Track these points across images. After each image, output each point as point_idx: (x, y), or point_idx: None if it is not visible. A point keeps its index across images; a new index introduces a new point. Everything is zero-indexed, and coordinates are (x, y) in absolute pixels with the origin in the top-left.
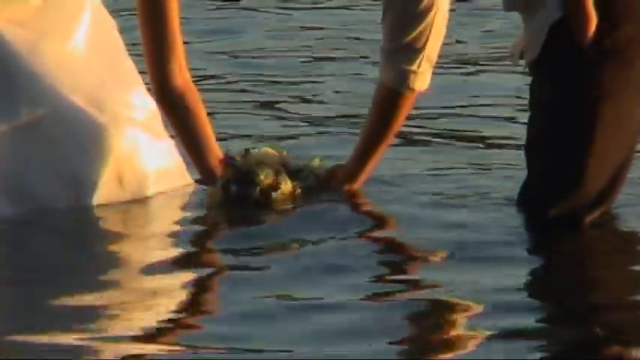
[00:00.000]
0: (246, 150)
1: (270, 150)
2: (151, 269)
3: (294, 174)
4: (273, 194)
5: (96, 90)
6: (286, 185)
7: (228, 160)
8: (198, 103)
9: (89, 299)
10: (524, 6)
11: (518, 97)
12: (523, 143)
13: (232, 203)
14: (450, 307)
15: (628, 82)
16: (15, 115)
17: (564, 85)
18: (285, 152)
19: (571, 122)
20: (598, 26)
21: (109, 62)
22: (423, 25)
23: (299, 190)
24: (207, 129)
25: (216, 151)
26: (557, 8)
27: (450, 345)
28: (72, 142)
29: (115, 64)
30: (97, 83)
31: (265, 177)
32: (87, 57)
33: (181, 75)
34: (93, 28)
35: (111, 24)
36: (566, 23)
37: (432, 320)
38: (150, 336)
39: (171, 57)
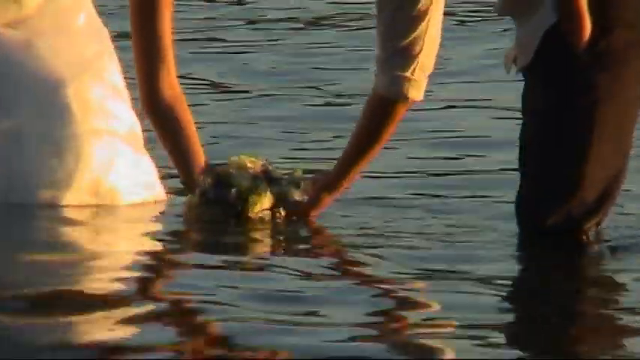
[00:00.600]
0: (228, 158)
1: (250, 158)
2: (115, 277)
3: (273, 182)
4: (250, 199)
5: (80, 97)
6: (263, 191)
7: (207, 168)
8: (186, 114)
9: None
10: (518, 11)
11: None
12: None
13: (208, 208)
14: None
15: (624, 84)
16: (4, 114)
17: (559, 89)
18: (265, 161)
19: (566, 127)
20: (592, 30)
21: (97, 73)
22: (417, 31)
23: (274, 197)
24: (195, 140)
25: (202, 162)
26: (551, 13)
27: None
28: (51, 145)
29: (103, 75)
30: (82, 89)
31: (243, 181)
32: (78, 60)
33: (171, 86)
34: (86, 30)
35: (101, 28)
36: (560, 28)
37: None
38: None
39: (162, 68)
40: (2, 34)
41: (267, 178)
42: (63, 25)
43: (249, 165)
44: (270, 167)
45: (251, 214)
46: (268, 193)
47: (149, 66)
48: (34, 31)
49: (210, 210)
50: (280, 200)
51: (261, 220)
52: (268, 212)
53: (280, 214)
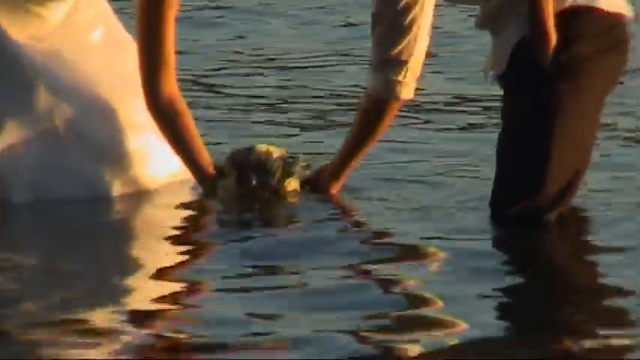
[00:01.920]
0: (253, 146)
1: (272, 146)
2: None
3: (292, 166)
4: (286, 181)
5: (110, 97)
6: (294, 174)
7: (236, 155)
8: (185, 112)
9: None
10: (493, 26)
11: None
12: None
13: (250, 193)
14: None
15: (585, 93)
16: (37, 118)
17: (527, 97)
18: (284, 151)
19: (534, 131)
20: (557, 42)
21: (121, 72)
22: (407, 39)
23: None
24: (195, 135)
25: (204, 155)
26: (521, 28)
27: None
28: (88, 141)
29: (126, 74)
30: (110, 91)
31: (280, 166)
32: (101, 67)
33: (170, 86)
34: (107, 39)
35: (125, 36)
36: (529, 41)
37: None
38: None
39: (163, 73)
40: (28, 45)
41: (288, 164)
42: (86, 38)
43: (276, 154)
44: (288, 156)
45: (283, 193)
46: (296, 179)
47: (151, 70)
48: (59, 43)
49: (247, 191)
50: (300, 182)
51: (292, 196)
52: (294, 191)
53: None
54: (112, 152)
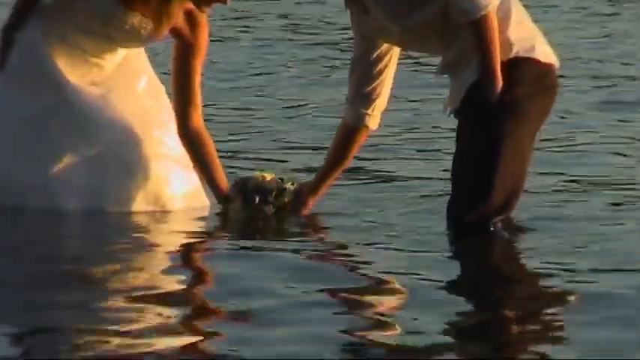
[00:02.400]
0: (250, 175)
1: (267, 172)
2: (172, 269)
3: (280, 192)
4: (281, 199)
5: (145, 132)
6: (286, 194)
7: (239, 181)
8: (209, 142)
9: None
10: (451, 71)
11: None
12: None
13: (250, 207)
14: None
15: (523, 125)
16: (89, 145)
17: (478, 128)
18: (274, 175)
19: (482, 154)
20: (502, 86)
21: (157, 114)
22: (377, 82)
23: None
24: (215, 159)
25: (221, 175)
26: (473, 72)
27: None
28: (126, 169)
29: (161, 116)
30: (148, 129)
31: (275, 188)
32: (142, 109)
33: (197, 121)
34: (148, 88)
35: (159, 85)
36: (479, 84)
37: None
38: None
39: (192, 107)
40: (86, 88)
41: (279, 183)
42: (131, 84)
43: (268, 177)
44: (277, 177)
45: (275, 209)
46: (285, 201)
47: (183, 108)
48: (110, 87)
49: (251, 208)
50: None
51: (281, 212)
52: (284, 207)
53: (288, 208)
54: (142, 175)
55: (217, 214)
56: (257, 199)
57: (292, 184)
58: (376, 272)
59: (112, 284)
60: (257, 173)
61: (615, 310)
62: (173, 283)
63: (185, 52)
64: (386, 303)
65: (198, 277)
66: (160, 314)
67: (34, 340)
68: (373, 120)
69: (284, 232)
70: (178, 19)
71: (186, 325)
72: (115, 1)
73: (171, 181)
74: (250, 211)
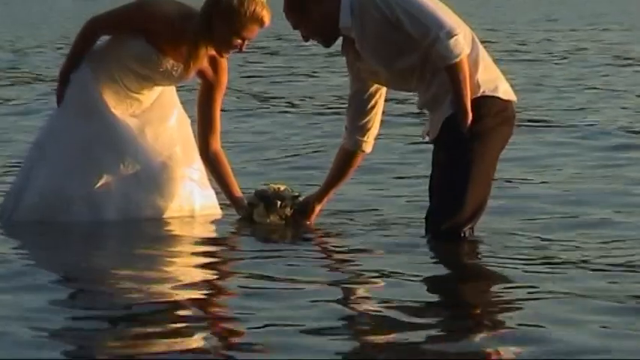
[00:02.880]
0: (268, 184)
1: (280, 184)
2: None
3: (291, 199)
4: (293, 207)
5: (174, 158)
6: (298, 199)
7: (259, 191)
8: (225, 160)
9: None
10: (430, 106)
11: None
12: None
13: (270, 213)
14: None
15: (488, 151)
16: (127, 165)
17: (452, 152)
18: (286, 186)
19: (456, 175)
20: (471, 119)
21: (183, 143)
22: (370, 115)
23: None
24: (231, 175)
25: (236, 188)
26: (449, 107)
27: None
28: (157, 186)
29: (186, 144)
30: (176, 154)
31: (289, 198)
32: (171, 138)
33: (216, 144)
34: (177, 120)
35: (186, 118)
36: (453, 117)
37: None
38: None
39: (213, 134)
40: (128, 120)
41: (292, 191)
42: (164, 117)
43: (282, 187)
44: (289, 188)
45: (288, 215)
46: (299, 199)
47: (205, 134)
48: (146, 120)
49: (271, 214)
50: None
51: (291, 217)
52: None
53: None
54: (169, 191)
55: (238, 219)
56: (279, 204)
57: (299, 194)
58: (362, 271)
59: (141, 283)
60: (271, 184)
61: (574, 311)
62: (193, 287)
63: (209, 89)
64: (372, 299)
65: (219, 276)
66: (182, 316)
67: (70, 340)
68: (368, 145)
69: (298, 236)
70: (203, 62)
71: (207, 325)
72: (151, 48)
73: (192, 197)
74: (273, 214)
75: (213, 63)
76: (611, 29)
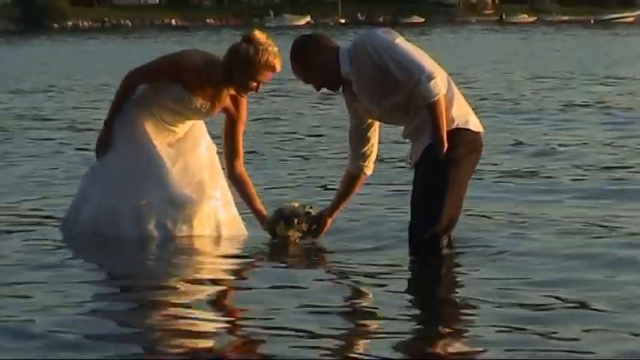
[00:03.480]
0: (289, 202)
1: (297, 202)
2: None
3: (305, 215)
4: (308, 223)
5: (203, 182)
6: (312, 214)
7: (280, 209)
8: (248, 180)
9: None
10: (412, 136)
11: None
12: None
13: (289, 228)
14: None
15: (460, 174)
16: (162, 187)
17: (430, 175)
18: (299, 204)
19: (434, 195)
20: (447, 148)
21: (210, 168)
22: (368, 145)
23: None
24: (254, 194)
25: (259, 206)
26: (428, 138)
27: None
28: (189, 206)
29: (212, 170)
30: (204, 178)
31: (304, 211)
32: (201, 165)
33: (240, 167)
34: (205, 148)
35: (212, 146)
36: (432, 146)
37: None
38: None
39: (237, 159)
40: (166, 149)
41: (305, 207)
42: (194, 146)
43: (297, 205)
44: (302, 205)
45: (304, 229)
46: (313, 214)
47: (231, 160)
48: (180, 149)
49: (290, 230)
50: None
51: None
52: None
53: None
54: (199, 209)
55: (262, 235)
56: (296, 221)
57: (311, 208)
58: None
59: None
60: (288, 204)
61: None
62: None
63: (231, 122)
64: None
65: (239, 285)
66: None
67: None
68: (369, 169)
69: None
70: (226, 101)
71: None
72: (184, 90)
73: (217, 213)
74: (292, 229)
75: (235, 101)
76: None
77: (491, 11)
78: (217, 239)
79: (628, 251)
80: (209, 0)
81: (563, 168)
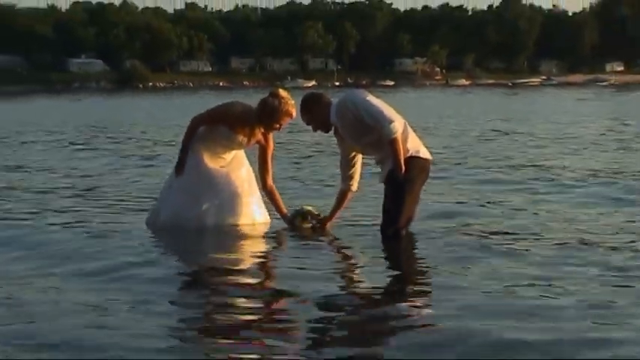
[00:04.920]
0: (300, 207)
1: (309, 207)
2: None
3: (314, 216)
4: (313, 222)
5: (244, 191)
6: (314, 221)
7: (298, 210)
8: (276, 191)
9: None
10: (382, 162)
11: None
12: None
13: (304, 224)
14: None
15: (413, 189)
16: (212, 196)
17: (393, 189)
18: (312, 207)
19: (396, 202)
20: (405, 170)
21: (249, 182)
22: (354, 169)
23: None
24: (280, 201)
25: (284, 210)
26: (390, 164)
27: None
28: (235, 208)
29: (250, 183)
30: (245, 189)
31: (316, 211)
32: (242, 179)
33: (269, 182)
34: (245, 168)
35: (249, 167)
36: (393, 170)
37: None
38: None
39: (267, 175)
40: (219, 170)
41: (316, 215)
42: (238, 166)
43: (310, 208)
44: (314, 209)
45: (311, 224)
46: (321, 215)
47: (262, 175)
48: (229, 169)
49: (304, 224)
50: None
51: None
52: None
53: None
54: (242, 210)
55: (284, 229)
56: (309, 218)
57: (318, 212)
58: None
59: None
60: (303, 207)
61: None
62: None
63: (263, 151)
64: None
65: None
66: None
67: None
68: (354, 186)
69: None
70: (259, 136)
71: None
72: (230, 131)
73: (254, 213)
74: (305, 224)
75: (265, 136)
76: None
77: (440, 77)
78: (252, 228)
79: None
80: (245, 68)
81: None
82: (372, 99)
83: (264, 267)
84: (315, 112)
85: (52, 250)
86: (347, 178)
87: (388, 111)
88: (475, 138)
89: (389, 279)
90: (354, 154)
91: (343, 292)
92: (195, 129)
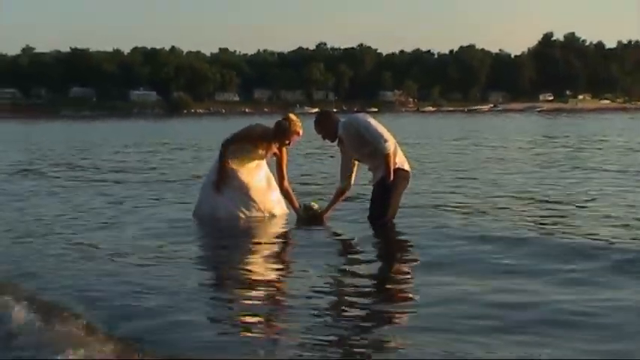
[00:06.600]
0: (307, 203)
1: (314, 203)
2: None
3: (318, 210)
4: (316, 214)
5: (264, 189)
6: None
7: (305, 205)
8: (291, 192)
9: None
10: (375, 170)
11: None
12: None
13: (309, 216)
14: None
15: (398, 191)
16: (240, 194)
17: (381, 191)
18: (316, 203)
19: (383, 200)
20: (392, 178)
21: (268, 183)
22: (351, 172)
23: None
24: (294, 200)
25: (296, 204)
26: (382, 172)
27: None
28: (258, 202)
29: (270, 183)
30: (264, 187)
31: (320, 207)
32: (262, 180)
33: (286, 185)
34: (264, 172)
35: (269, 171)
36: (384, 176)
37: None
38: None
39: (283, 179)
40: (246, 176)
41: (319, 209)
42: (260, 172)
43: (314, 203)
44: (317, 205)
45: (317, 216)
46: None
47: (279, 179)
48: (253, 174)
49: (309, 216)
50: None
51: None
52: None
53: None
54: (263, 204)
55: (296, 220)
56: (314, 207)
57: (319, 207)
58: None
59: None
60: (310, 203)
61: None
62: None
63: (279, 161)
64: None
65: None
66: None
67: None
68: (349, 186)
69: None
70: (274, 149)
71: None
72: (252, 147)
73: (273, 206)
74: (308, 214)
75: (279, 150)
76: None
77: (412, 105)
78: (271, 219)
79: None
80: (265, 98)
81: None
82: (373, 120)
83: (266, 263)
84: (325, 125)
85: None
86: (344, 179)
87: (383, 131)
88: (438, 150)
89: (382, 265)
90: (353, 160)
91: (345, 284)
92: (228, 149)
